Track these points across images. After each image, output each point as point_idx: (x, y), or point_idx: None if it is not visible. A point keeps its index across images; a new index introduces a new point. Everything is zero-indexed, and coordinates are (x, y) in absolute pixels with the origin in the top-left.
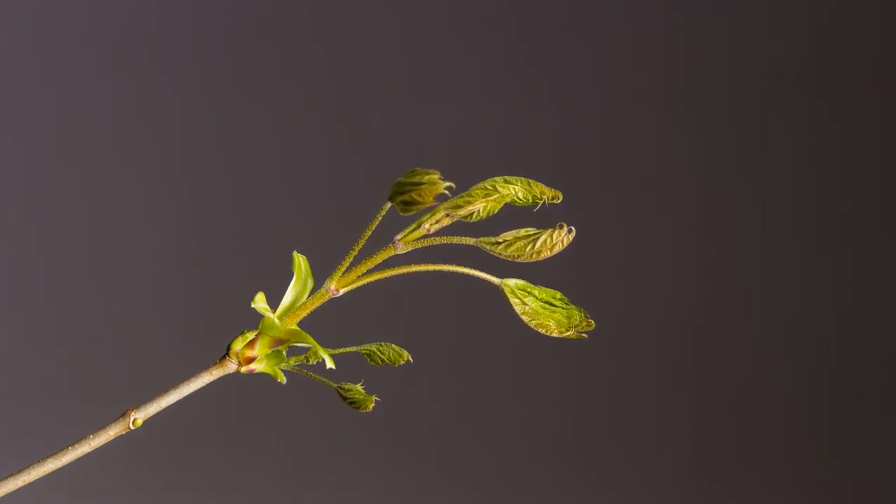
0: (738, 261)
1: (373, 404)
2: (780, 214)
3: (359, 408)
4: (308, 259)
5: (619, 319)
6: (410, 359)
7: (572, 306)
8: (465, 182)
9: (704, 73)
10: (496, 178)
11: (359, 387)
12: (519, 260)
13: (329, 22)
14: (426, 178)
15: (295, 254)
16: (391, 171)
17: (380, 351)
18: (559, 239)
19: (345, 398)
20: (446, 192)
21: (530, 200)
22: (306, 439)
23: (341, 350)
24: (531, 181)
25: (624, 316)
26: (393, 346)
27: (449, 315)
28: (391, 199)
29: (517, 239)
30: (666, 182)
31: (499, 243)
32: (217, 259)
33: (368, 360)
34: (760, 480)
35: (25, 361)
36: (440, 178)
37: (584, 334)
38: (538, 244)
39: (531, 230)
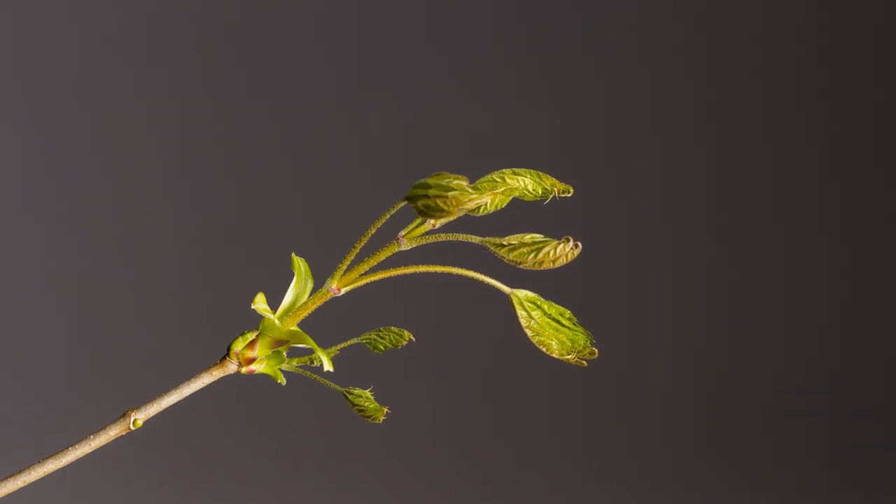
0: (743, 261)
1: (383, 416)
2: (782, 217)
3: (368, 417)
4: (309, 259)
5: (624, 322)
6: (412, 338)
7: (580, 328)
8: (470, 178)
9: (705, 73)
10: (504, 170)
11: (368, 393)
12: (521, 266)
13: (332, 20)
14: (455, 183)
15: (294, 256)
16: (393, 170)
17: (380, 337)
18: (563, 252)
19: (353, 404)
20: (473, 204)
21: (540, 194)
22: (306, 440)
23: (342, 345)
24: (541, 173)
25: (629, 318)
26: (392, 328)
27: (451, 313)
28: (410, 199)
29: (522, 244)
30: (670, 182)
31: (503, 246)
32: (218, 259)
33: (371, 348)
34: (762, 479)
35: (26, 362)
36: (469, 188)
37: (583, 361)
38: (540, 254)
39: (538, 237)
